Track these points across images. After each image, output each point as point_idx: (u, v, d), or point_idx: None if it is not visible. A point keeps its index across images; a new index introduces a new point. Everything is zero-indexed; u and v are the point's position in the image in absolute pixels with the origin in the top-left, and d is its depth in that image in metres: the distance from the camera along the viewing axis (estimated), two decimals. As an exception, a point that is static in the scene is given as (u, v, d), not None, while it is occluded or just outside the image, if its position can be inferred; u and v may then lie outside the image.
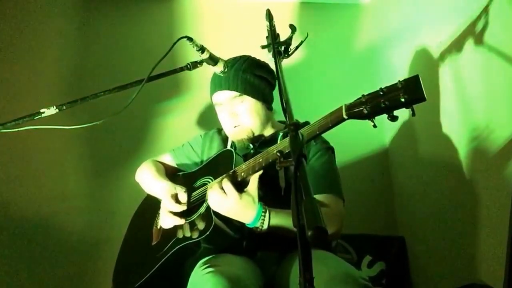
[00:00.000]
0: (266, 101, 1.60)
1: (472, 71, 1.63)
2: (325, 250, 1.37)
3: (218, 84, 1.57)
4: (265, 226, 1.28)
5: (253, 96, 1.56)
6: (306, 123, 1.59)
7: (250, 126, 1.56)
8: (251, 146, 1.60)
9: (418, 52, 2.03)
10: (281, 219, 1.30)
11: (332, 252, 1.39)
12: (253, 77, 1.56)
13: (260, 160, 1.27)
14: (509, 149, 1.44)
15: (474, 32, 1.59)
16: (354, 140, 2.20)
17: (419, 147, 2.11)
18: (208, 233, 1.28)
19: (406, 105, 0.95)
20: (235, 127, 1.57)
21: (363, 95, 1.03)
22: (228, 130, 1.62)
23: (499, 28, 1.48)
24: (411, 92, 0.95)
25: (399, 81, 0.98)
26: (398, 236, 2.30)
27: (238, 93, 1.54)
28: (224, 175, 1.35)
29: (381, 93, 0.99)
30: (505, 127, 1.46)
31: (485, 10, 1.52)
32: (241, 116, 1.55)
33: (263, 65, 1.64)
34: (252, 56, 1.65)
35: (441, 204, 1.90)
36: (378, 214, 2.41)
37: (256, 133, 1.58)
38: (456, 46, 1.71)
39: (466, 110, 1.69)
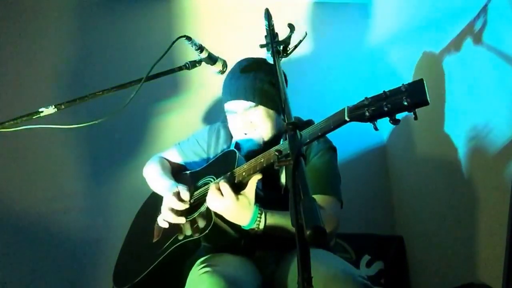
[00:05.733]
0: (278, 108, 1.57)
1: (471, 70, 1.63)
2: (324, 249, 1.37)
3: (234, 93, 1.54)
4: (261, 228, 1.28)
5: (268, 106, 1.54)
6: (310, 121, 1.60)
7: (263, 133, 1.54)
8: None
9: (417, 51, 2.03)
10: (277, 221, 1.30)
11: (331, 252, 1.39)
12: (269, 86, 1.53)
13: (262, 160, 1.27)
14: (508, 148, 1.44)
15: (473, 31, 1.59)
16: (352, 138, 2.20)
17: (417, 146, 2.11)
18: (207, 231, 1.28)
19: (408, 108, 0.94)
20: (246, 134, 1.56)
21: (366, 98, 1.02)
22: (238, 136, 1.60)
23: (498, 28, 1.48)
24: (415, 95, 0.93)
25: (403, 84, 0.97)
26: (396, 235, 2.30)
27: (254, 104, 1.52)
28: (224, 175, 1.35)
29: (384, 96, 0.98)
30: (504, 126, 1.46)
31: (485, 10, 1.52)
32: (255, 125, 1.54)
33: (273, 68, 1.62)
34: (262, 58, 1.60)
35: (439, 204, 1.90)
36: (377, 214, 2.41)
37: (266, 139, 1.56)
38: (456, 45, 1.71)
39: (465, 109, 1.69)
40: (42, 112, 1.21)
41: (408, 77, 2.10)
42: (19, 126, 1.19)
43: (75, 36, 2.38)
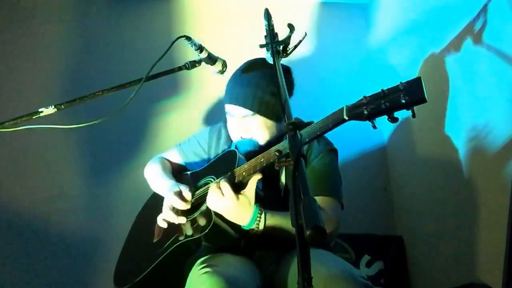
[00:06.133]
0: (278, 118, 1.55)
1: (471, 70, 1.64)
2: (324, 249, 1.37)
3: (234, 98, 1.54)
4: (261, 228, 1.28)
5: (266, 116, 1.52)
6: (311, 123, 1.59)
7: (258, 140, 1.54)
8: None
9: (417, 51, 2.03)
10: (277, 221, 1.30)
11: (331, 252, 1.39)
12: (270, 96, 1.50)
13: (262, 160, 1.27)
14: (508, 149, 1.44)
15: (473, 31, 1.59)
16: (352, 139, 2.20)
17: (417, 146, 2.11)
18: (207, 231, 1.29)
19: (406, 106, 0.94)
20: (241, 137, 1.56)
21: (364, 97, 1.02)
22: (234, 138, 1.61)
23: (498, 28, 1.48)
24: (412, 93, 0.94)
25: (400, 82, 0.97)
26: (396, 235, 2.30)
27: (251, 112, 1.51)
28: (224, 175, 1.35)
29: (382, 94, 0.98)
30: (504, 126, 1.46)
31: (485, 10, 1.52)
32: (252, 131, 1.54)
33: (287, 77, 1.58)
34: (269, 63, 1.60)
35: (439, 204, 1.90)
36: (377, 214, 2.41)
37: (262, 144, 1.55)
38: (456, 45, 1.71)
39: (464, 109, 1.69)
40: (42, 112, 1.21)
41: (407, 77, 2.08)
42: (19, 126, 1.19)
43: (74, 36, 2.37)
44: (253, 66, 1.57)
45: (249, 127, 1.54)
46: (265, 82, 1.51)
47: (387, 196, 2.43)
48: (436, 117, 1.87)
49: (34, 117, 1.20)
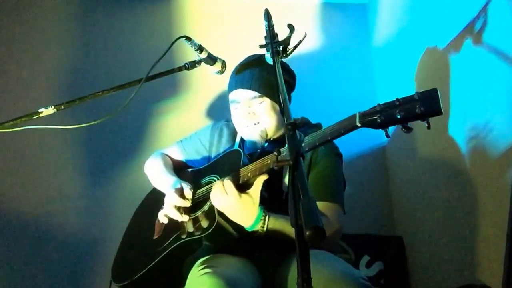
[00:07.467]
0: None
1: (471, 70, 1.64)
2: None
3: (239, 82, 1.54)
4: (264, 230, 1.28)
5: (273, 99, 1.53)
6: (318, 124, 1.59)
7: (266, 126, 1.54)
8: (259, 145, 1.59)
9: (417, 52, 2.03)
10: (281, 225, 1.29)
11: (331, 252, 1.38)
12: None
13: (268, 162, 1.27)
14: (508, 149, 1.44)
15: (473, 31, 1.59)
16: (353, 138, 2.18)
17: (417, 146, 2.11)
18: (210, 231, 1.28)
19: (421, 117, 0.94)
20: (247, 126, 1.55)
21: (378, 104, 1.02)
22: (240, 128, 1.60)
23: (498, 28, 1.48)
24: (428, 104, 0.93)
25: (416, 92, 0.96)
26: (396, 236, 2.29)
27: (258, 94, 1.52)
28: (229, 175, 1.35)
29: (397, 103, 0.98)
30: (504, 126, 1.46)
31: (485, 10, 1.52)
32: (259, 116, 1.53)
33: (286, 67, 1.63)
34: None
35: (439, 204, 1.89)
36: (377, 214, 2.41)
37: (270, 134, 1.57)
38: (456, 45, 1.71)
39: (465, 109, 1.69)
40: (41, 112, 1.21)
41: (407, 77, 2.10)
42: (19, 126, 1.19)
43: (74, 36, 2.38)
44: (258, 55, 1.59)
45: (256, 111, 1.53)
46: (270, 66, 1.50)
47: (387, 197, 2.43)
48: (436, 117, 1.86)
49: (33, 117, 1.21)
